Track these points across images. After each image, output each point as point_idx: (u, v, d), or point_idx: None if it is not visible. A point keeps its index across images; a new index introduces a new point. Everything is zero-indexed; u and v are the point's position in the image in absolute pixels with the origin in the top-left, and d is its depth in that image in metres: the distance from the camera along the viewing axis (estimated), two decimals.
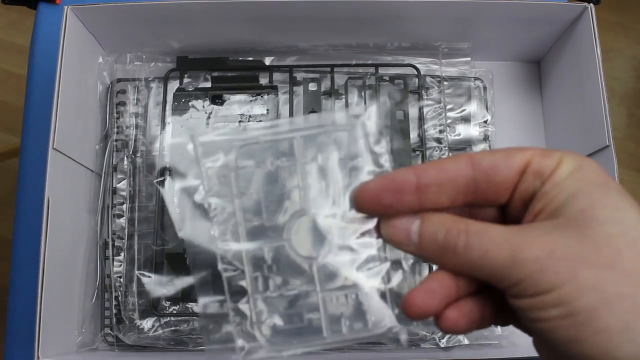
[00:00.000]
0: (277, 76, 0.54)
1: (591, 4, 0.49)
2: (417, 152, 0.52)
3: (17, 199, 0.52)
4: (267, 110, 0.52)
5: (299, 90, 0.54)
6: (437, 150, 0.53)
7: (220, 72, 0.54)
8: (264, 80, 0.54)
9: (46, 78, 0.54)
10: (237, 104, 0.53)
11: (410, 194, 0.25)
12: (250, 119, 0.52)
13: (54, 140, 0.44)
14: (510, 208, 0.26)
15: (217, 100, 0.53)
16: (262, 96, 0.53)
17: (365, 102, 0.54)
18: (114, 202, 0.51)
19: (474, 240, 0.24)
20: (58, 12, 0.50)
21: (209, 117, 0.52)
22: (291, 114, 0.53)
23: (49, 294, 0.42)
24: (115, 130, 0.52)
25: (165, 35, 0.52)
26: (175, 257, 0.49)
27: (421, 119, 0.53)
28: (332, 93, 0.54)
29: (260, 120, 0.53)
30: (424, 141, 0.53)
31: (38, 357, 0.41)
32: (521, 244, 0.23)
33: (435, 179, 0.25)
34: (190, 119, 0.52)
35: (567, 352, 0.22)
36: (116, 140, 0.52)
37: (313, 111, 0.53)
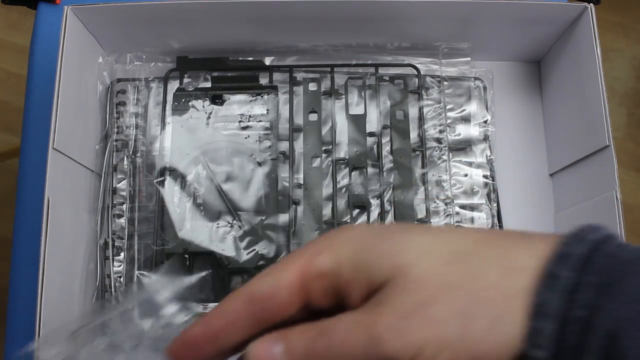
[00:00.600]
0: (277, 76, 0.54)
1: (591, 4, 0.48)
2: (417, 152, 0.52)
3: (17, 199, 0.52)
4: (267, 110, 0.52)
5: (299, 90, 0.54)
6: (437, 150, 0.53)
7: (220, 72, 0.54)
8: (264, 80, 0.54)
9: (46, 78, 0.54)
10: (237, 103, 0.53)
11: (209, 344, 0.25)
12: (251, 119, 0.52)
13: (54, 140, 0.44)
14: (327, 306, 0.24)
15: (217, 100, 0.53)
16: (262, 96, 0.53)
17: (365, 102, 0.54)
18: (114, 202, 0.51)
19: (326, 338, 0.23)
20: (58, 12, 0.50)
21: (209, 117, 0.52)
22: (291, 115, 0.53)
23: (49, 294, 0.42)
24: (115, 130, 0.52)
25: (165, 35, 0.52)
26: (175, 258, 0.49)
27: (421, 119, 0.53)
28: (332, 93, 0.54)
29: (260, 121, 0.52)
30: (424, 141, 0.53)
31: (38, 357, 0.41)
32: (372, 320, 0.22)
33: (219, 325, 0.24)
34: (190, 119, 0.52)
35: None
36: (116, 140, 0.52)
37: (313, 111, 0.53)
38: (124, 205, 0.51)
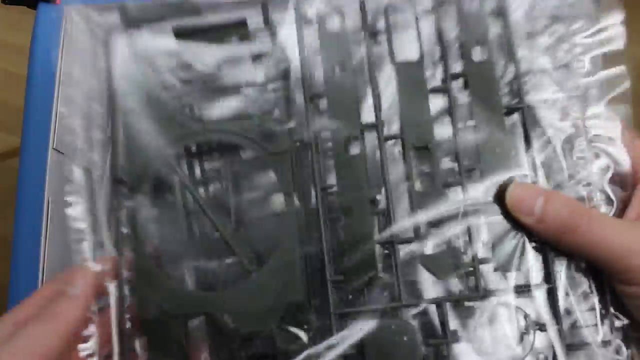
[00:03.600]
0: (275, 15, 0.36)
1: None
2: (512, 113, 0.34)
3: (17, 199, 0.52)
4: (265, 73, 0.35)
5: (311, 32, 0.35)
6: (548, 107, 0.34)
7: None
8: (256, 20, 0.36)
9: (46, 78, 0.54)
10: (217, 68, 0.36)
11: None
12: (243, 86, 0.35)
13: (54, 140, 0.43)
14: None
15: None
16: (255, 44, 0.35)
17: (420, 41, 0.34)
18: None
19: (595, 225, 0.27)
20: (58, 12, 0.50)
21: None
22: (305, 75, 0.34)
23: None
24: None
25: None
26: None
27: (511, 54, 0.34)
28: (365, 30, 0.34)
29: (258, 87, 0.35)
30: (522, 94, 0.34)
31: None
32: (637, 237, 0.27)
33: None
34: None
35: None
36: None
37: (341, 69, 0.34)
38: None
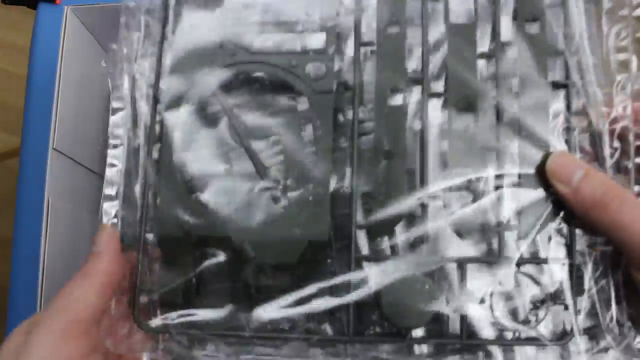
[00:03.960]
0: None
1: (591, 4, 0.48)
2: (559, 89, 0.34)
3: (17, 199, 0.52)
4: (318, 16, 0.35)
5: None
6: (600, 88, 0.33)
7: None
8: None
9: (46, 78, 0.54)
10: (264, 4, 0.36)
11: None
12: (291, 26, 0.35)
13: (54, 140, 0.44)
14: None
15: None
16: None
17: (475, 5, 0.35)
18: None
19: (626, 208, 0.28)
20: (58, 12, 0.50)
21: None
22: (357, 25, 0.35)
23: (49, 294, 0.42)
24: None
25: None
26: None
27: (568, 38, 0.34)
28: None
29: (303, 31, 0.35)
30: (583, 69, 0.33)
31: None
32: None
33: None
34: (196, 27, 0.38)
35: None
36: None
37: (393, 22, 0.34)
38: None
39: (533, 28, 0.34)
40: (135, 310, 0.33)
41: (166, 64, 0.36)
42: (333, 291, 0.32)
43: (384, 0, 0.35)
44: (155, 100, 0.35)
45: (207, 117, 0.35)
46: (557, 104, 0.33)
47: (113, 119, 0.36)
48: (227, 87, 0.35)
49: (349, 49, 0.35)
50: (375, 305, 0.32)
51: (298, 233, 0.32)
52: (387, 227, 0.33)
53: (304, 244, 0.32)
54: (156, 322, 0.33)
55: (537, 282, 0.32)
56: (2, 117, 1.17)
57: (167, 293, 0.33)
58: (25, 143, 0.54)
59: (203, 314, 0.33)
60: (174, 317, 0.33)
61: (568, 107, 0.33)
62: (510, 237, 0.33)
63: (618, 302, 0.32)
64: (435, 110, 0.34)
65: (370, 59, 0.35)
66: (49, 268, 0.42)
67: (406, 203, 0.33)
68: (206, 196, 0.34)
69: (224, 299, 0.33)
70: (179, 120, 0.35)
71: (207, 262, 0.33)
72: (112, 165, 0.35)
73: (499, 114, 0.33)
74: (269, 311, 0.32)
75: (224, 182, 0.34)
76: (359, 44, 0.34)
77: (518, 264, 0.32)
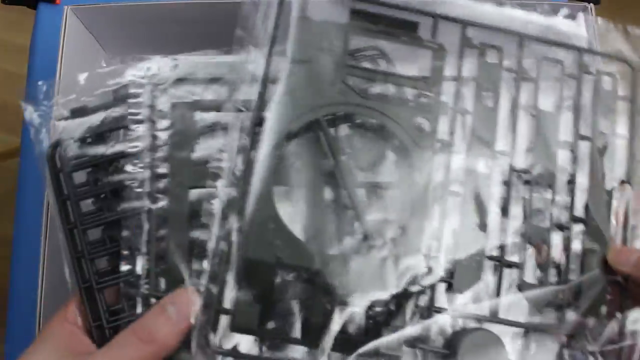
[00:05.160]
0: (443, 32, 0.38)
1: (591, 4, 0.48)
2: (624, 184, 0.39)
3: (17, 199, 0.52)
4: (424, 76, 0.37)
5: (468, 59, 0.38)
6: None
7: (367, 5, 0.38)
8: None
9: (46, 78, 0.54)
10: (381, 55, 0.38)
11: None
12: (400, 81, 0.36)
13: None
14: None
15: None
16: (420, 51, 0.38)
17: (561, 96, 0.38)
18: None
19: None
20: (58, 12, 0.51)
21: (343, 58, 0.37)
22: (458, 90, 0.37)
23: (49, 294, 0.42)
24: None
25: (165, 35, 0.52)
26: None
27: None
28: (518, 72, 0.38)
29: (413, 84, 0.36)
30: None
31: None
32: None
33: None
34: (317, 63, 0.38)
35: None
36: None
37: (486, 90, 0.38)
38: None
39: (606, 125, 0.39)
40: (217, 328, 0.32)
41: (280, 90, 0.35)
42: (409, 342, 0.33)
43: (483, 74, 0.37)
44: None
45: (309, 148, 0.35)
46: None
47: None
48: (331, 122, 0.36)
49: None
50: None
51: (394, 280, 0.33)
52: (466, 282, 0.35)
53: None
54: (228, 344, 0.32)
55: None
56: (2, 117, 1.17)
57: (242, 315, 0.32)
58: (25, 143, 0.54)
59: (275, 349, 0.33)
60: (245, 342, 0.33)
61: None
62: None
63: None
64: (514, 184, 0.37)
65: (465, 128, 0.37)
66: (49, 268, 0.42)
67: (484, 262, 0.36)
68: (298, 228, 0.34)
69: (296, 334, 0.33)
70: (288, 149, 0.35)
71: (290, 292, 0.33)
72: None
73: (571, 201, 0.37)
74: None
75: (317, 216, 0.34)
76: (455, 109, 0.37)
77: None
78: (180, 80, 0.37)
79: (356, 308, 0.32)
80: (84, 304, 0.34)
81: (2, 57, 1.25)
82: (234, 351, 0.32)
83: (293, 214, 0.34)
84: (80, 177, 0.36)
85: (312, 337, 0.32)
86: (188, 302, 0.32)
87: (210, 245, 0.33)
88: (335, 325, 0.32)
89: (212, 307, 0.32)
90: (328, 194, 0.35)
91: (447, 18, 0.37)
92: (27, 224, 0.52)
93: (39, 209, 0.43)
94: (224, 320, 0.32)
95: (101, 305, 0.34)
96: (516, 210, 0.36)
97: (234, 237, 0.33)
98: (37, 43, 0.56)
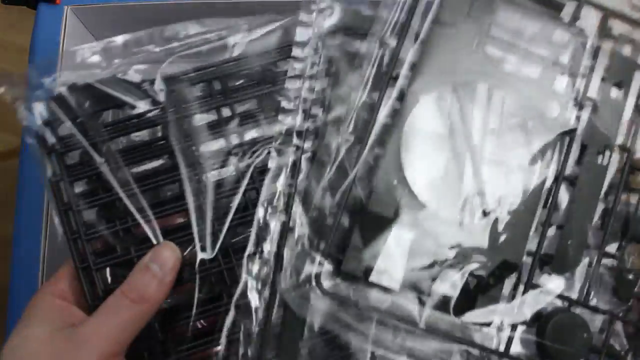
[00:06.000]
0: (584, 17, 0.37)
1: None
2: None
3: (17, 199, 0.52)
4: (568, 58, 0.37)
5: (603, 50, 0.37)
6: None
7: None
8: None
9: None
10: (515, 30, 0.36)
11: None
12: (538, 61, 0.36)
13: None
14: None
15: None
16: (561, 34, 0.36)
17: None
18: None
19: None
20: (58, 12, 0.50)
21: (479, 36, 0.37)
22: (588, 79, 0.36)
23: None
24: None
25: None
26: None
27: None
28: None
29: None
30: None
31: None
32: None
33: None
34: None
35: None
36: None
37: (618, 84, 0.37)
38: None
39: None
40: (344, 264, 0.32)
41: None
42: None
43: (616, 67, 0.37)
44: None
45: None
46: None
47: None
48: None
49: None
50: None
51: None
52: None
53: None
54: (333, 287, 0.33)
55: None
56: (2, 117, 1.17)
57: (351, 260, 0.33)
58: (25, 143, 0.54)
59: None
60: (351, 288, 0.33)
61: None
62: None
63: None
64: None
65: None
66: (49, 268, 0.42)
67: None
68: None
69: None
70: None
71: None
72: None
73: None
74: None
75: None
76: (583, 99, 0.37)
77: None
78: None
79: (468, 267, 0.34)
80: (81, 284, 0.34)
81: (2, 57, 1.25)
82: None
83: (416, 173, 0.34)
84: (74, 157, 0.37)
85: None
86: (169, 256, 0.33)
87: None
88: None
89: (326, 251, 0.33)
90: (450, 162, 0.35)
91: (591, 3, 0.37)
92: (27, 224, 0.52)
93: (39, 209, 0.43)
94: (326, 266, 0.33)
95: (99, 285, 0.35)
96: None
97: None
98: (37, 43, 0.56)
